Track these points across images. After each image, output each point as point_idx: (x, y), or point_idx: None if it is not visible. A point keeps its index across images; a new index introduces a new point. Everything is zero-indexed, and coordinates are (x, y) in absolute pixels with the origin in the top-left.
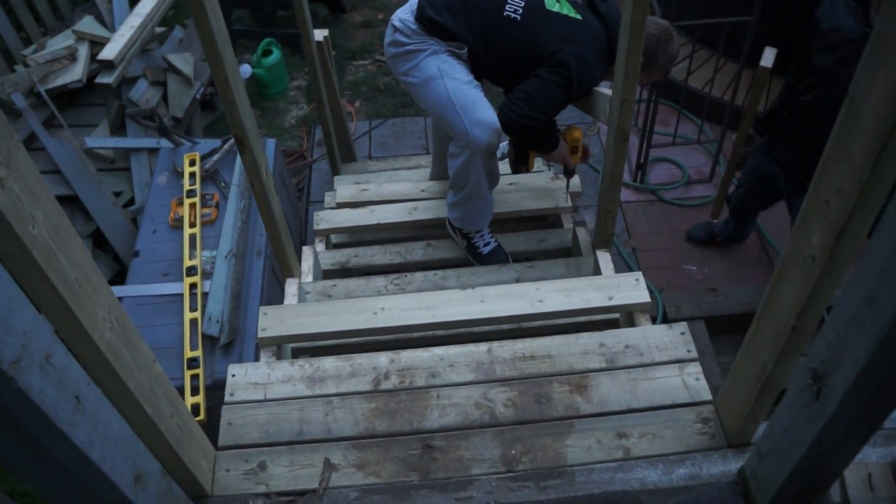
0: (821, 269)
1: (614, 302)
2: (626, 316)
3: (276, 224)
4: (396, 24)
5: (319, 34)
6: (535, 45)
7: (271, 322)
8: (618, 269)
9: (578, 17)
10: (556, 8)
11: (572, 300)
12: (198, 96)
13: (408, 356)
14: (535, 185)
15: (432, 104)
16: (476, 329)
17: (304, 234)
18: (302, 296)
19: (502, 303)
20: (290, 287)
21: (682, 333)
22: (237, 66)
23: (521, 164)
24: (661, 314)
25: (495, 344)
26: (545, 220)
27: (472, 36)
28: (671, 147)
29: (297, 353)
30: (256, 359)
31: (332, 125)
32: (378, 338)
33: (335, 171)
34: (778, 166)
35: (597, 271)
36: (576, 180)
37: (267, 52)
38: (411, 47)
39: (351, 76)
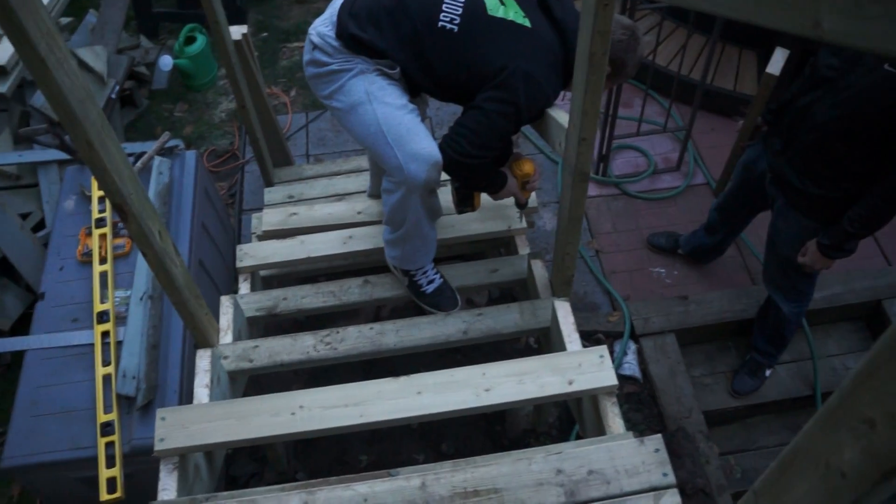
0: (853, 491)
1: (575, 387)
2: (590, 400)
3: (179, 291)
4: (315, 39)
5: (237, 31)
6: (477, 62)
7: (171, 430)
8: (578, 275)
9: (527, 23)
10: (500, 13)
11: (526, 387)
12: (113, 96)
13: (325, 497)
14: (482, 202)
15: (361, 133)
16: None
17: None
18: (217, 367)
19: (443, 394)
20: (202, 361)
21: (657, 450)
22: (105, 124)
23: (466, 206)
24: (628, 328)
25: (430, 476)
26: (496, 242)
27: (404, 53)
28: (635, 135)
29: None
30: None
31: (261, 131)
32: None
33: (267, 181)
34: (767, 163)
35: (555, 322)
36: (532, 195)
37: (191, 40)
38: (334, 67)
39: (285, 60)
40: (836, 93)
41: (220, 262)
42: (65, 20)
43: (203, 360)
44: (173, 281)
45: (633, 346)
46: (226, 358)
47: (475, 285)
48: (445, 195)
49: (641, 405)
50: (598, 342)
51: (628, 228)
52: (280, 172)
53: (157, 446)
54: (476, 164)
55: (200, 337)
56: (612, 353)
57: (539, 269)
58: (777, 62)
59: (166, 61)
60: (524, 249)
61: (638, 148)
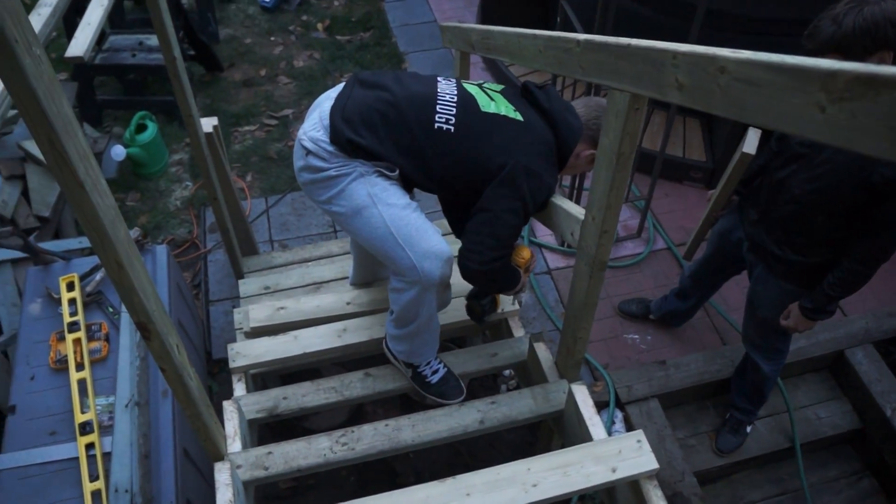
0: None
1: (618, 475)
2: (627, 486)
3: (195, 403)
4: (308, 145)
5: (207, 123)
6: (476, 160)
7: None
8: (556, 347)
9: (519, 117)
10: (492, 109)
11: (572, 479)
12: None
13: None
14: (471, 288)
15: (367, 236)
16: None
17: (207, 342)
18: (236, 481)
19: (491, 494)
20: (221, 474)
21: None
22: (130, 242)
23: (489, 312)
24: (612, 397)
25: None
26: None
27: (401, 156)
28: None
29: None
30: None
31: (230, 220)
32: None
33: (237, 273)
34: (744, 232)
35: (571, 404)
36: None
37: (141, 127)
38: (332, 172)
39: (238, 145)
40: (811, 168)
41: (196, 359)
42: (11, 112)
43: (222, 473)
44: (190, 394)
45: (619, 415)
46: (239, 467)
47: (476, 371)
48: None
49: None
50: None
51: (599, 297)
52: (248, 262)
53: None
54: (499, 266)
55: (212, 448)
56: None
57: (543, 352)
58: (752, 141)
59: (118, 151)
60: (518, 331)
61: None
